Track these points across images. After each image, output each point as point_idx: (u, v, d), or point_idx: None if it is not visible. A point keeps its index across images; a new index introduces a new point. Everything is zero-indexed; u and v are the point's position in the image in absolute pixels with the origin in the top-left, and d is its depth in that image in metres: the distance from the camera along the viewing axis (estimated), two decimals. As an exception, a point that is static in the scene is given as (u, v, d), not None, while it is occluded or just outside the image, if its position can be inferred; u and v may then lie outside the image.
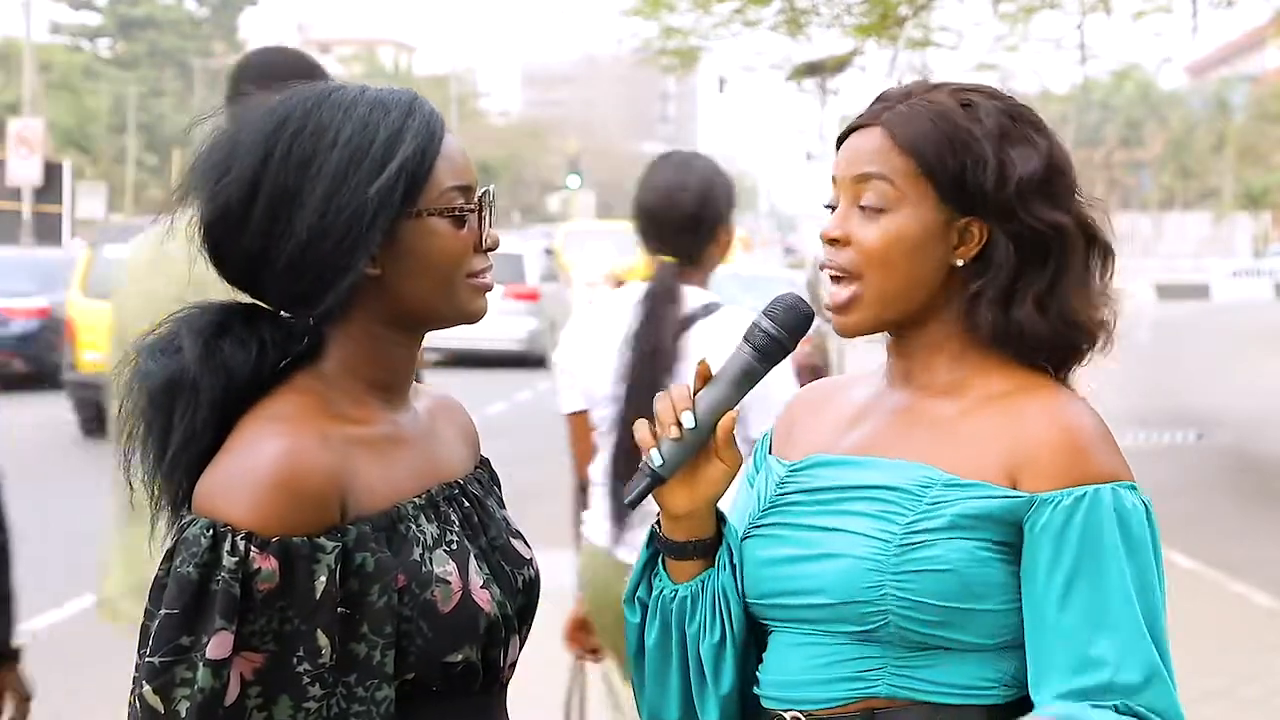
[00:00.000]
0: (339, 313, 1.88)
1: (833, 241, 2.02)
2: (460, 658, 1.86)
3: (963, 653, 1.94)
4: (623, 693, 4.22)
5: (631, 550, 3.67)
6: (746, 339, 2.01)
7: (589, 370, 4.00)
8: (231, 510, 1.77)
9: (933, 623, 1.92)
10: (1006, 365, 2.02)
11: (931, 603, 1.92)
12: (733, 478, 2.02)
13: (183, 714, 1.73)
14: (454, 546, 1.90)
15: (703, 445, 1.99)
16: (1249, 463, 14.60)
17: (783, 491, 2.06)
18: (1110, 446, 1.96)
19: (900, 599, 1.92)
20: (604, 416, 3.94)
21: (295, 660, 1.76)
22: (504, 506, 2.07)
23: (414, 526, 1.87)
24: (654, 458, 1.98)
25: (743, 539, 2.06)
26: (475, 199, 1.92)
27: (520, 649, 2.00)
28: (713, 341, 3.65)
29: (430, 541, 1.88)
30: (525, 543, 2.04)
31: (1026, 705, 1.93)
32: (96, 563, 3.60)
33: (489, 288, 1.95)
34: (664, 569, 2.07)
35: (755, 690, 2.04)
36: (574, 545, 4.23)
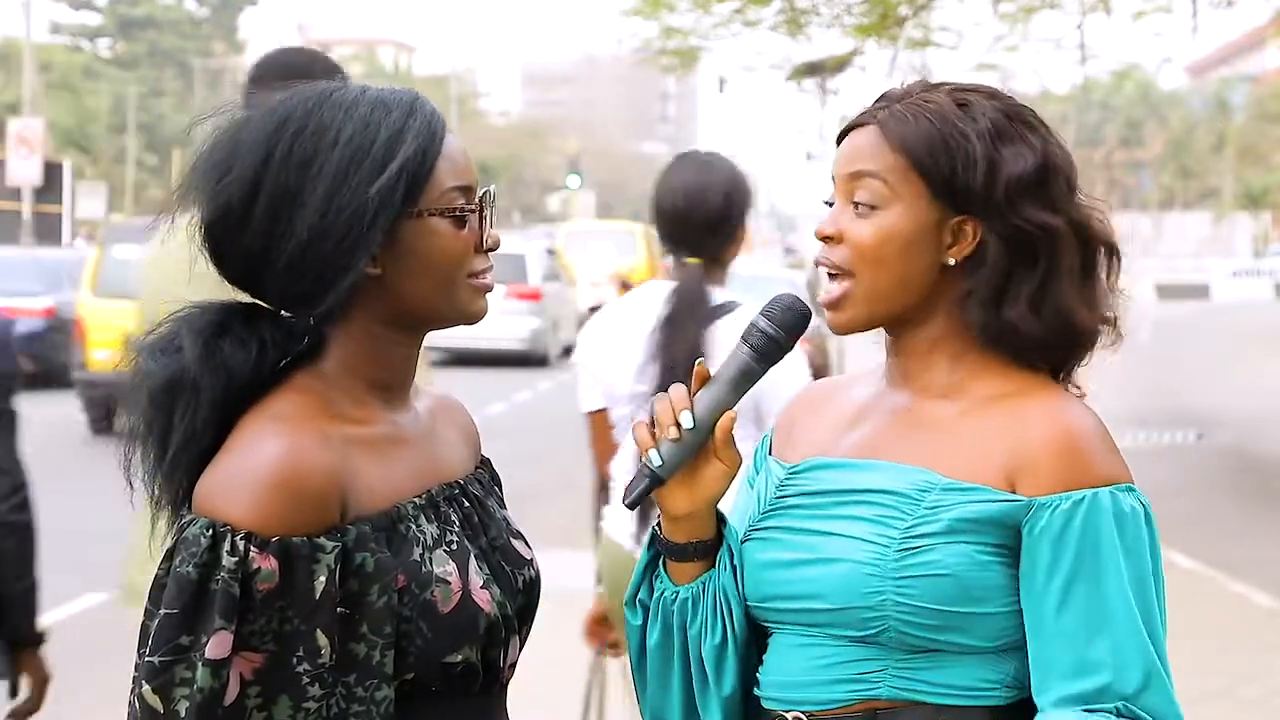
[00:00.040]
0: (339, 312, 1.88)
1: (827, 239, 2.03)
2: (460, 658, 1.86)
3: (964, 654, 1.94)
4: None
5: None
6: (744, 339, 2.01)
7: (609, 368, 4.02)
8: (231, 510, 1.77)
9: (933, 626, 1.92)
10: (1005, 367, 2.01)
11: (931, 607, 1.92)
12: (732, 478, 2.02)
13: (182, 714, 1.73)
14: (454, 547, 1.90)
15: (702, 446, 1.99)
16: (1249, 463, 14.59)
17: (782, 494, 2.05)
18: (1109, 448, 1.96)
19: (900, 604, 1.92)
20: (624, 414, 3.95)
21: (295, 660, 1.76)
22: (504, 507, 2.07)
23: (414, 527, 1.87)
24: (653, 458, 1.98)
25: (742, 541, 2.06)
26: (476, 199, 1.92)
27: (520, 649, 2.00)
28: (736, 340, 3.72)
29: (430, 542, 1.88)
30: (525, 543, 2.04)
31: (1029, 706, 1.93)
32: (128, 545, 3.63)
33: (489, 288, 1.95)
34: (665, 571, 2.07)
35: (756, 691, 2.04)
36: (594, 541, 4.26)
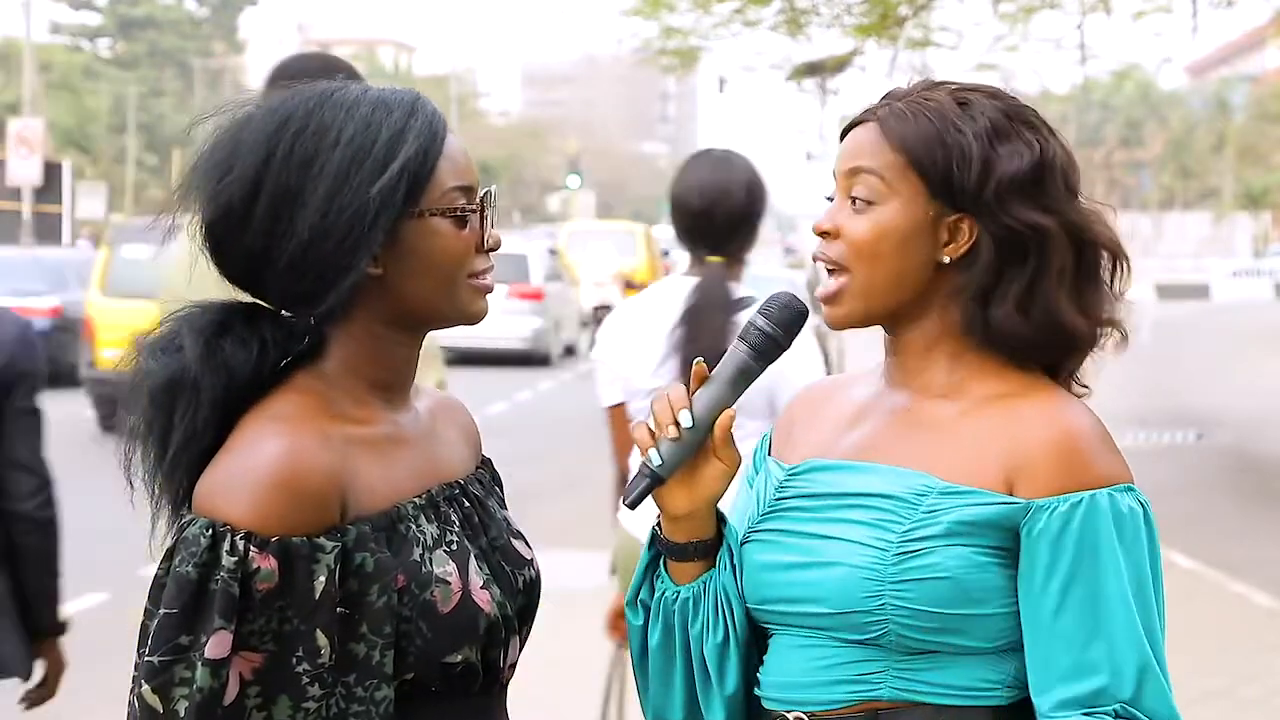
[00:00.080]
0: (340, 312, 1.88)
1: (824, 234, 2.03)
2: (460, 658, 1.86)
3: (964, 655, 1.94)
4: None
5: None
6: (742, 338, 2.02)
7: (628, 363, 4.05)
8: (231, 510, 1.77)
9: (932, 629, 1.92)
10: (1004, 367, 2.01)
11: (930, 610, 1.91)
12: (731, 477, 2.02)
13: (181, 713, 1.73)
14: (454, 547, 1.90)
15: (701, 445, 1.99)
16: (1249, 463, 14.59)
17: (781, 496, 2.05)
18: (1108, 448, 1.96)
19: (899, 607, 1.92)
20: (643, 408, 3.97)
21: (294, 660, 1.76)
22: (505, 507, 2.07)
23: (414, 527, 1.87)
24: (653, 458, 1.98)
25: (742, 543, 2.06)
26: (477, 199, 1.93)
27: (520, 650, 2.00)
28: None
29: (430, 542, 1.88)
30: (526, 543, 2.03)
31: (1030, 706, 1.93)
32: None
33: (490, 289, 1.95)
34: (665, 571, 2.07)
35: (756, 691, 2.04)
36: (613, 534, 4.28)
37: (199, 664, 1.73)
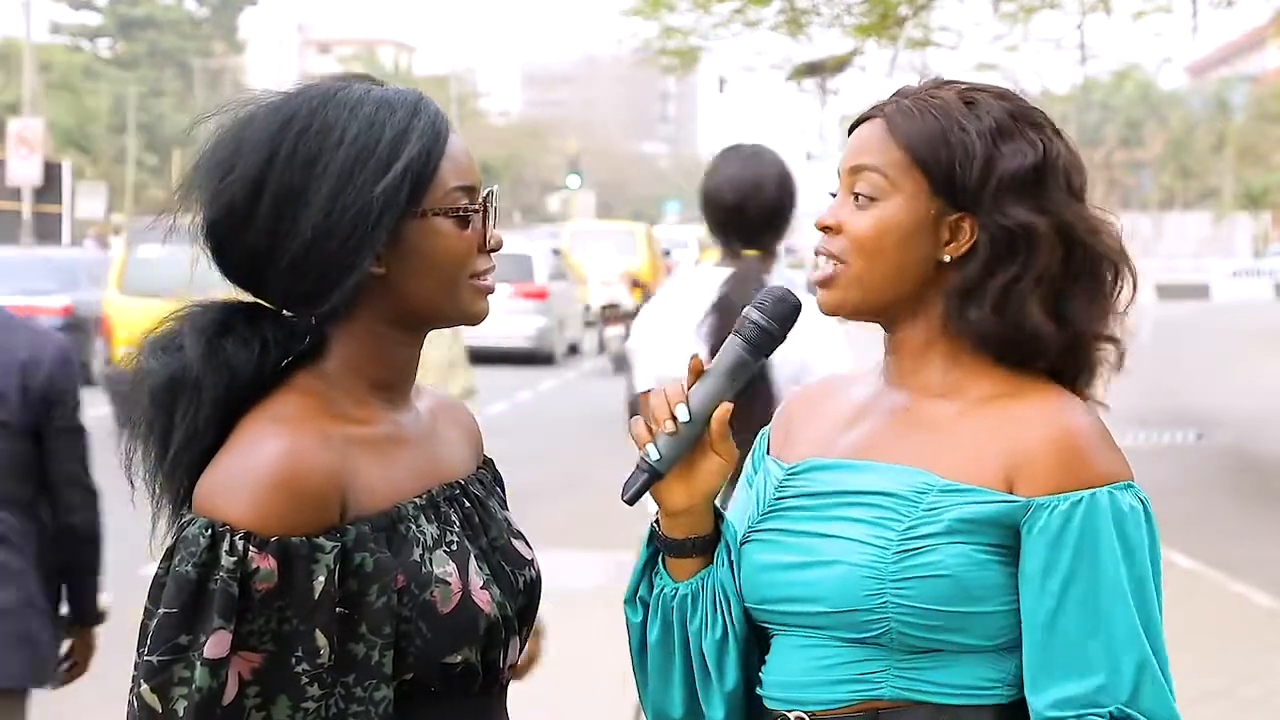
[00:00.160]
0: (342, 312, 1.88)
1: (825, 229, 2.03)
2: (459, 659, 1.86)
3: (965, 654, 1.94)
4: None
5: None
6: (737, 331, 2.02)
7: (661, 353, 4.08)
8: (231, 510, 1.77)
9: (933, 627, 1.92)
10: (1000, 368, 2.00)
11: (931, 608, 1.91)
12: (728, 472, 2.02)
13: (180, 713, 1.73)
14: (454, 547, 1.90)
15: (698, 439, 1.99)
16: (1249, 463, 14.59)
17: (780, 495, 2.05)
18: (1107, 446, 1.96)
19: (900, 605, 1.92)
20: None
21: (294, 660, 1.76)
22: (506, 507, 2.06)
23: (414, 527, 1.87)
24: (650, 453, 1.98)
25: (741, 543, 2.06)
26: (479, 200, 1.92)
27: (521, 650, 1.99)
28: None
29: (430, 542, 1.88)
30: (526, 543, 2.03)
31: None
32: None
33: (491, 289, 1.95)
34: (664, 567, 2.07)
35: (758, 691, 2.04)
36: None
37: (198, 664, 1.73)
